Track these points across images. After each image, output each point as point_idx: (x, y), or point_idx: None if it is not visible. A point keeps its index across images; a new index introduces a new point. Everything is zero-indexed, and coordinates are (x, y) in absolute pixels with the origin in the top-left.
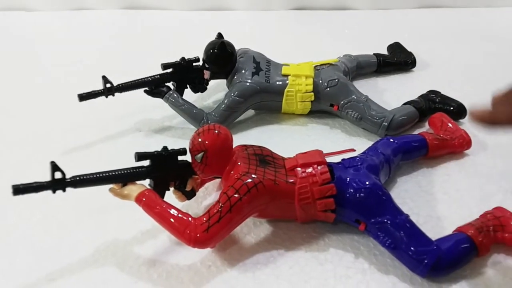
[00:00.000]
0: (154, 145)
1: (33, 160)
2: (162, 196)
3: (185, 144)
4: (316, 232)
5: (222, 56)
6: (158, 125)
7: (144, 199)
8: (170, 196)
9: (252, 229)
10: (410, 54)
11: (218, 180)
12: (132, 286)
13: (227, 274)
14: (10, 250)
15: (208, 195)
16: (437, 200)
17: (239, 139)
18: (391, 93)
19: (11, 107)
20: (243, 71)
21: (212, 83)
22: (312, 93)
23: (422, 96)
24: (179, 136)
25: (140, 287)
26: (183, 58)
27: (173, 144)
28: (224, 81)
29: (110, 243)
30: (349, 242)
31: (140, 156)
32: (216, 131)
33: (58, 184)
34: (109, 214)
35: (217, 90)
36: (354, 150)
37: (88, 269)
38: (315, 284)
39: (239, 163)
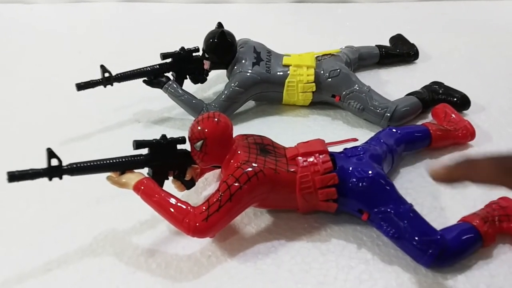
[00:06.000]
0: (153, 136)
1: (30, 151)
2: (161, 185)
3: (185, 135)
4: (318, 222)
5: (222, 46)
6: (157, 116)
7: (142, 188)
8: (169, 186)
9: (253, 219)
10: (413, 45)
11: (218, 171)
12: (131, 276)
13: (228, 264)
14: (6, 240)
15: (208, 185)
16: (441, 191)
17: (239, 130)
18: (393, 85)
19: (9, 97)
20: (243, 61)
21: (212, 74)
22: (314, 84)
23: (425, 87)
24: (178, 127)
25: (138, 277)
26: (182, 48)
27: (173, 135)
28: (224, 72)
29: (108, 233)
30: (351, 233)
31: (138, 144)
32: (216, 119)
33: (54, 171)
34: (107, 203)
35: (217, 82)
36: (357, 140)
37: (85, 259)
38: (317, 274)
39: (239, 152)
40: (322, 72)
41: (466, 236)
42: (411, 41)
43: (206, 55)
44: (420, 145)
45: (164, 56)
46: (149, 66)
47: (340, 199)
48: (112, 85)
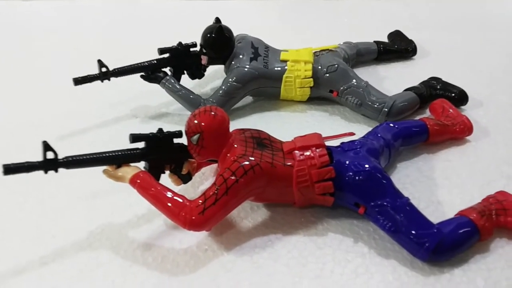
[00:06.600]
0: (150, 131)
1: (27, 146)
2: (157, 179)
3: (182, 130)
4: (315, 216)
5: (219, 41)
6: (154, 112)
7: (138, 181)
8: (166, 180)
9: (249, 214)
10: (411, 42)
11: (215, 165)
12: (127, 270)
13: (224, 258)
14: (3, 234)
15: (205, 179)
16: (438, 186)
17: (237, 125)
18: (391, 80)
19: (6, 92)
20: (241, 56)
21: (210, 70)
22: (311, 79)
23: (423, 82)
24: (175, 123)
25: (135, 270)
26: (180, 43)
27: (170, 130)
28: (222, 67)
29: (104, 227)
30: (348, 227)
31: (134, 138)
32: (213, 113)
33: (50, 164)
34: (103, 197)
35: (214, 77)
36: (354, 134)
37: (82, 253)
38: (314, 268)
39: (235, 146)
40: (320, 67)
41: (463, 229)
42: (409, 37)
43: (204, 50)
44: (417, 139)
45: (161, 51)
46: (146, 61)
47: (337, 193)
48: (109, 79)
